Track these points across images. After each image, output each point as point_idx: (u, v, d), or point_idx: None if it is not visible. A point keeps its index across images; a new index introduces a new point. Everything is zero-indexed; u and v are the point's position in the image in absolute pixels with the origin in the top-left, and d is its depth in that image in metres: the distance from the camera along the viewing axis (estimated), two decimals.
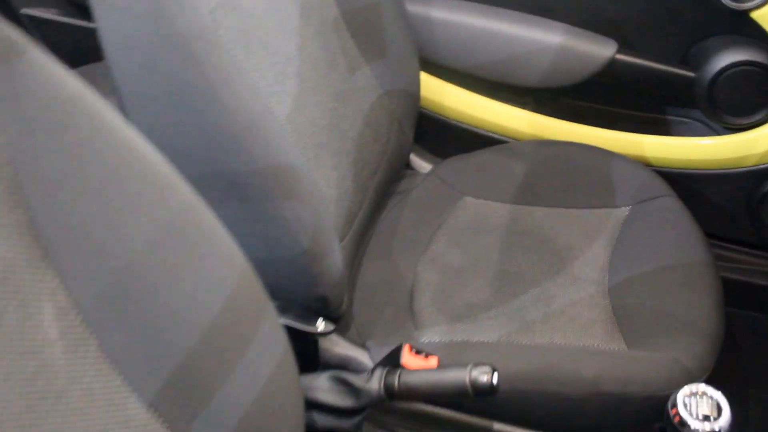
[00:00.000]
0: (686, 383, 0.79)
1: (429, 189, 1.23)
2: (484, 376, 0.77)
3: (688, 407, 0.71)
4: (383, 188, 1.18)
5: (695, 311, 0.98)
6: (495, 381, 0.77)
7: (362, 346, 0.92)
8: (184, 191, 0.58)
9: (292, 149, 0.85)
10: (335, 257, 0.90)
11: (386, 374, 0.83)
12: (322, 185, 0.94)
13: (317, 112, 0.97)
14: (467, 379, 0.77)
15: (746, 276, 1.32)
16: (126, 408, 0.54)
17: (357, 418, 0.84)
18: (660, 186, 1.17)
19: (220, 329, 0.59)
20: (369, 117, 1.11)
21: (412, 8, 1.24)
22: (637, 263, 1.06)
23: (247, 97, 0.78)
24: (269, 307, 0.65)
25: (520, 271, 1.09)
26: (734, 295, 1.15)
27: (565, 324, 1.00)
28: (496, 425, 0.92)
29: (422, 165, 1.34)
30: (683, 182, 1.24)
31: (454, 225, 1.18)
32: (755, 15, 1.14)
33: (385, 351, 0.86)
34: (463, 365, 0.79)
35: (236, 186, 0.79)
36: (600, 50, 1.23)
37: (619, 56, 1.22)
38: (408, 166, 1.32)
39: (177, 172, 0.58)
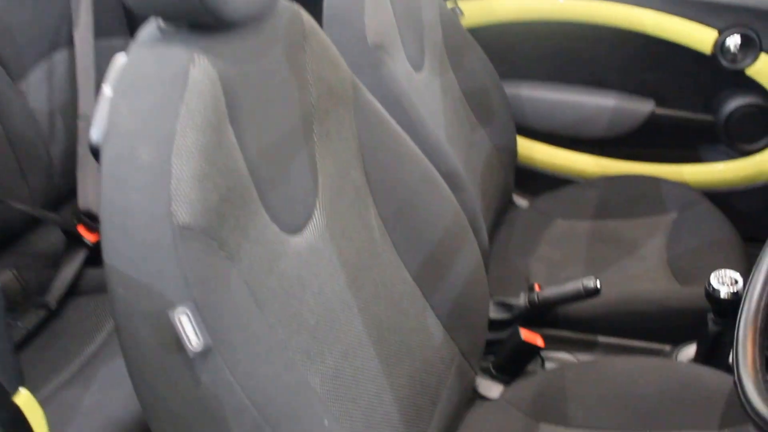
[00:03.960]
0: None
1: (530, 218, 1.73)
2: (590, 282, 1.24)
3: (719, 281, 1.14)
4: (498, 212, 1.68)
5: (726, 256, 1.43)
6: (598, 284, 1.24)
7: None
8: (427, 166, 1.09)
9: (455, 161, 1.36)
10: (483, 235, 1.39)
11: (528, 294, 1.31)
12: (472, 190, 1.44)
13: (456, 154, 1.49)
14: (581, 286, 1.24)
15: None
16: (403, 273, 1.03)
17: (510, 329, 1.30)
18: (697, 197, 1.64)
19: (449, 235, 1.08)
20: (486, 161, 1.63)
21: (508, 90, 1.78)
22: (686, 244, 1.52)
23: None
24: (470, 233, 1.13)
25: (601, 256, 1.55)
26: None
27: (634, 276, 1.46)
28: (600, 338, 1.36)
29: (521, 201, 1.84)
30: (713, 198, 1.69)
31: (551, 237, 1.66)
32: (749, 72, 1.64)
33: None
34: (576, 280, 1.26)
35: None
36: (642, 107, 1.75)
37: (657, 110, 1.74)
38: (511, 202, 1.82)
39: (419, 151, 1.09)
